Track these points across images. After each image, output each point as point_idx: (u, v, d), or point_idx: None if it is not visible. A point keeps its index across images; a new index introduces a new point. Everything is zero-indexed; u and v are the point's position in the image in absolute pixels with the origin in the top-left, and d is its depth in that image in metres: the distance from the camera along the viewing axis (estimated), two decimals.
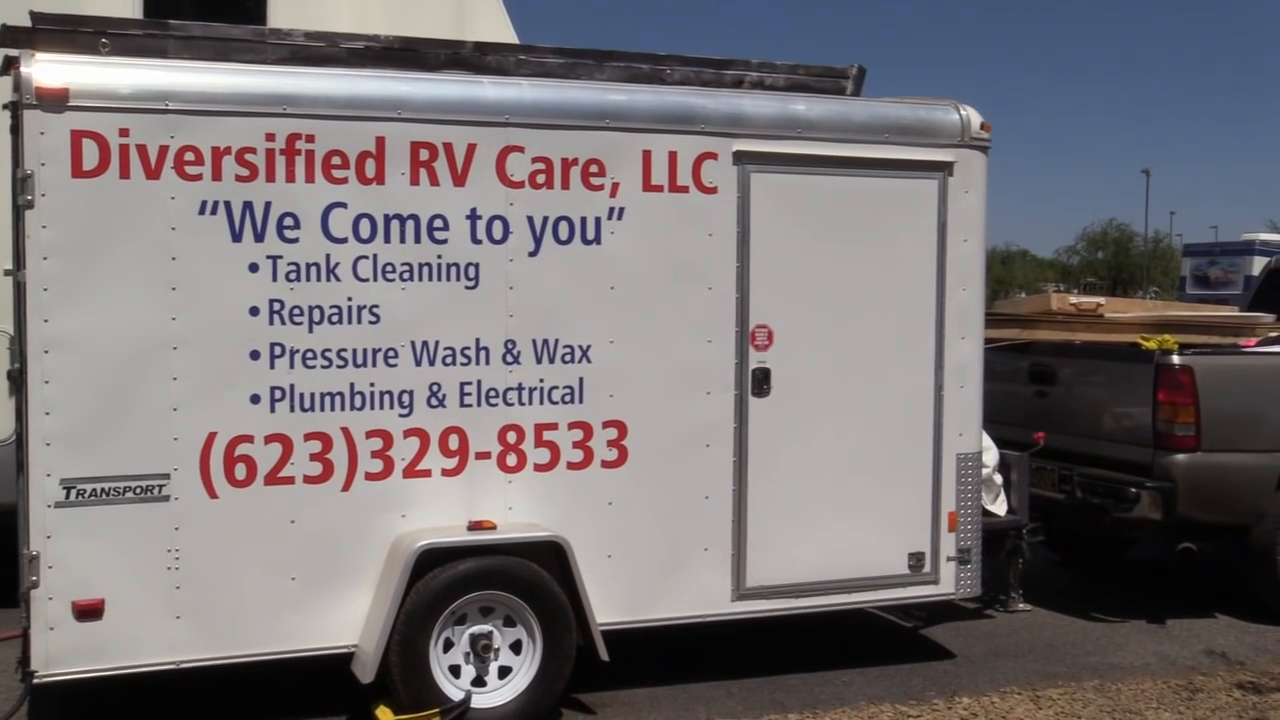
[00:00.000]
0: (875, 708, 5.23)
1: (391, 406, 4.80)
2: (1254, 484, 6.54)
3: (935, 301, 5.58)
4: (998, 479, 6.46)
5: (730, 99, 5.32)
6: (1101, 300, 7.49)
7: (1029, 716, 5.16)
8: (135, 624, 4.50)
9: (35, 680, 4.40)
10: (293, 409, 4.67)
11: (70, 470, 4.41)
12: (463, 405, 4.89)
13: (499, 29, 6.91)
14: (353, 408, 4.75)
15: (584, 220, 5.02)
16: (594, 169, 5.02)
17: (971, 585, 5.73)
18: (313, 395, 4.70)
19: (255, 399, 4.62)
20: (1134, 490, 6.43)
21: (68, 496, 4.40)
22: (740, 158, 5.22)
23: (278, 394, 4.65)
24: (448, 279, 4.86)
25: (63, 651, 4.41)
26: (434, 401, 4.85)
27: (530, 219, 4.95)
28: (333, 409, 4.73)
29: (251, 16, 6.47)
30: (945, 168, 5.56)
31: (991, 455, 6.34)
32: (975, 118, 5.62)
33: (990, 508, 6.31)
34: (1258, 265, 16.04)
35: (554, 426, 5.01)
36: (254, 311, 4.61)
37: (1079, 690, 5.52)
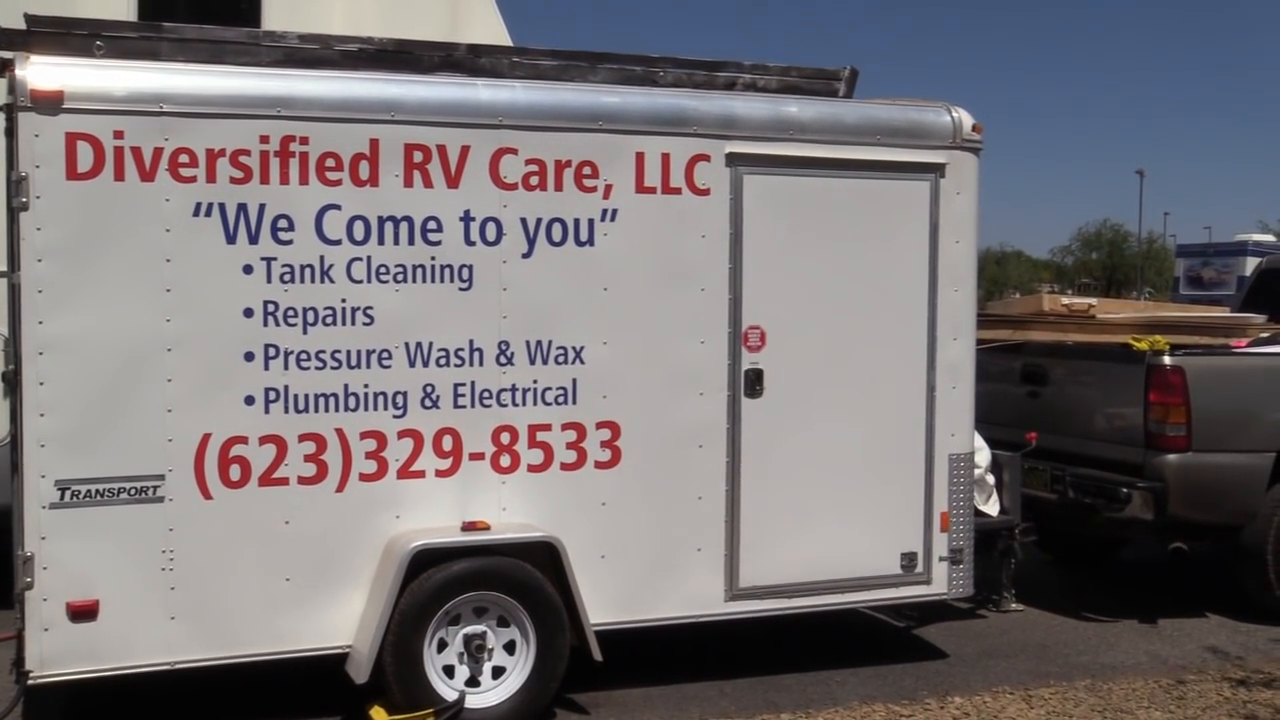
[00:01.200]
0: (868, 707, 5.24)
1: (385, 408, 4.81)
2: (1245, 484, 6.56)
3: (927, 302, 5.60)
4: (990, 479, 6.49)
5: (723, 101, 5.33)
6: (1093, 301, 7.50)
7: (1021, 716, 5.17)
8: (130, 625, 4.50)
9: (30, 681, 4.40)
10: (287, 410, 4.68)
11: (65, 471, 4.41)
12: (456, 406, 4.90)
13: (493, 31, 6.92)
14: (347, 409, 4.76)
15: (577, 222, 5.04)
16: (587, 171, 5.04)
17: (964, 585, 5.75)
18: (307, 396, 4.71)
19: (249, 400, 4.63)
20: (1125, 490, 6.45)
21: (62, 498, 4.41)
22: (733, 159, 5.23)
23: (272, 395, 4.66)
24: (441, 281, 4.87)
25: (57, 652, 4.41)
26: (428, 403, 4.86)
27: (524, 220, 4.96)
28: (327, 410, 4.74)
29: (246, 19, 6.48)
30: (937, 169, 5.58)
31: (984, 455, 6.35)
32: (967, 119, 5.64)
33: (982, 508, 6.33)
34: (1251, 266, 16.05)
35: (547, 427, 5.02)
36: (248, 313, 4.61)
37: (1071, 690, 5.53)
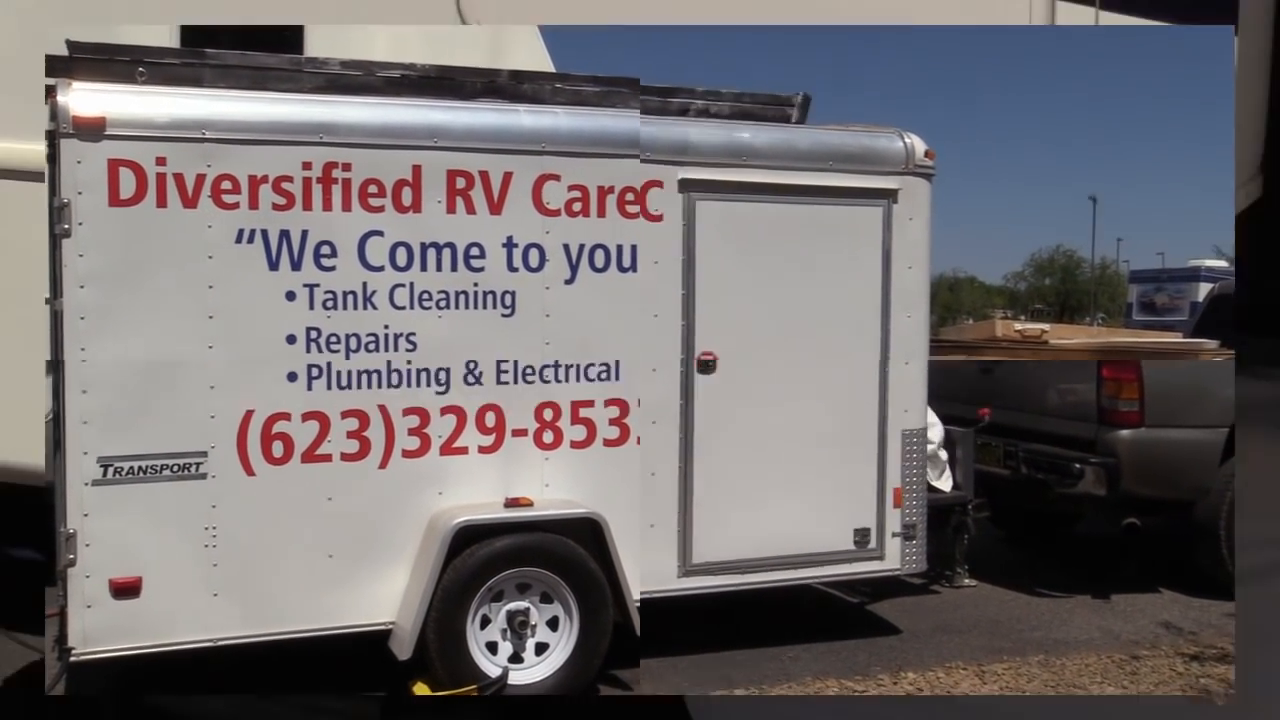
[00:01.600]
0: (821, 683, 5.24)
1: (428, 384, 4.89)
2: (1198, 459, 6.55)
3: (880, 327, 5.64)
4: (943, 455, 6.52)
5: (674, 127, 5.34)
6: (1046, 327, 7.52)
7: (974, 691, 5.19)
8: (172, 602, 4.54)
9: (72, 658, 4.42)
10: (329, 387, 4.73)
11: (107, 448, 4.45)
12: (499, 383, 4.98)
13: (536, 58, 6.92)
14: (389, 385, 4.82)
15: (619, 248, 5.15)
16: (630, 197, 5.14)
17: (917, 561, 5.79)
18: (349, 374, 4.75)
19: (292, 377, 4.68)
20: (1078, 465, 6.48)
21: (105, 474, 4.44)
22: (686, 185, 5.25)
23: (314, 372, 4.71)
24: (484, 307, 4.96)
25: (100, 629, 4.45)
26: (470, 379, 4.94)
27: (566, 247, 5.03)
28: (369, 387, 4.79)
29: (289, 46, 6.39)
30: (889, 195, 5.59)
31: (936, 431, 6.38)
32: (919, 145, 5.67)
33: (935, 484, 6.37)
34: (1204, 291, 15.55)
35: (590, 404, 5.12)
36: (291, 340, 4.66)
37: (1024, 665, 5.56)
